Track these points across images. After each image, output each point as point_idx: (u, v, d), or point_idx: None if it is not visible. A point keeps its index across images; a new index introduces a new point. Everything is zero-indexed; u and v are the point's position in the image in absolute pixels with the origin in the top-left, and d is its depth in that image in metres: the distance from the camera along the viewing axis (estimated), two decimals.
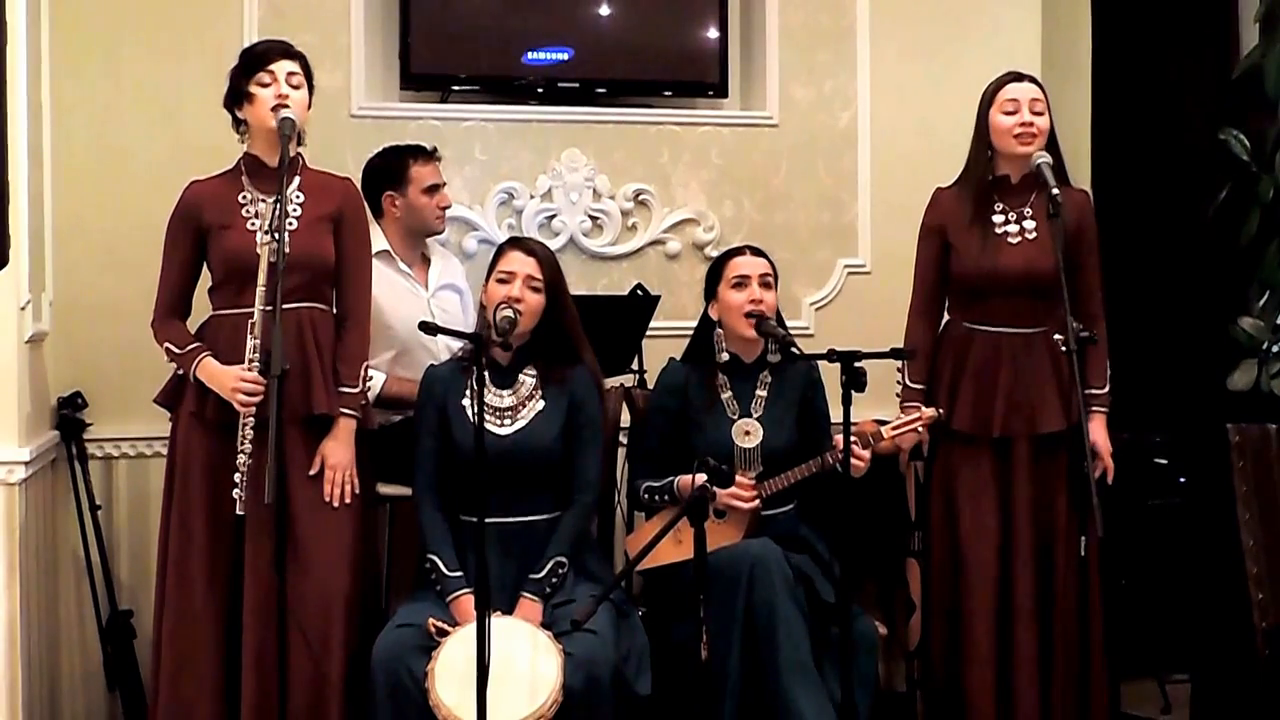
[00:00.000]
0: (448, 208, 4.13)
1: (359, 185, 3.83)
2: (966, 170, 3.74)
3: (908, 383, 3.74)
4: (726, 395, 3.72)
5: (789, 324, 3.89)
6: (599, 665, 3.25)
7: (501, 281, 3.49)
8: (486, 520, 3.16)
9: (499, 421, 3.50)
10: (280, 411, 3.16)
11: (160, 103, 4.18)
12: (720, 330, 3.73)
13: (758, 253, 3.77)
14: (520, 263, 3.50)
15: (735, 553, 3.47)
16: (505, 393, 3.53)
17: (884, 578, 4.30)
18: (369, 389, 3.58)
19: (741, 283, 3.69)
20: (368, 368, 3.54)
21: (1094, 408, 3.62)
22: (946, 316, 3.81)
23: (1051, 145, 3.64)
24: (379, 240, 3.96)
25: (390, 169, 4.05)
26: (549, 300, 3.51)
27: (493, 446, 3.38)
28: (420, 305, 3.98)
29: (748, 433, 3.70)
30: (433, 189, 4.06)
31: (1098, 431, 3.64)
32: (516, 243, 3.61)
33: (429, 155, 4.09)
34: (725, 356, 3.73)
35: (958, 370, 3.71)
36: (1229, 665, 3.88)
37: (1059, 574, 3.65)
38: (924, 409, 3.59)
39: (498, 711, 3.05)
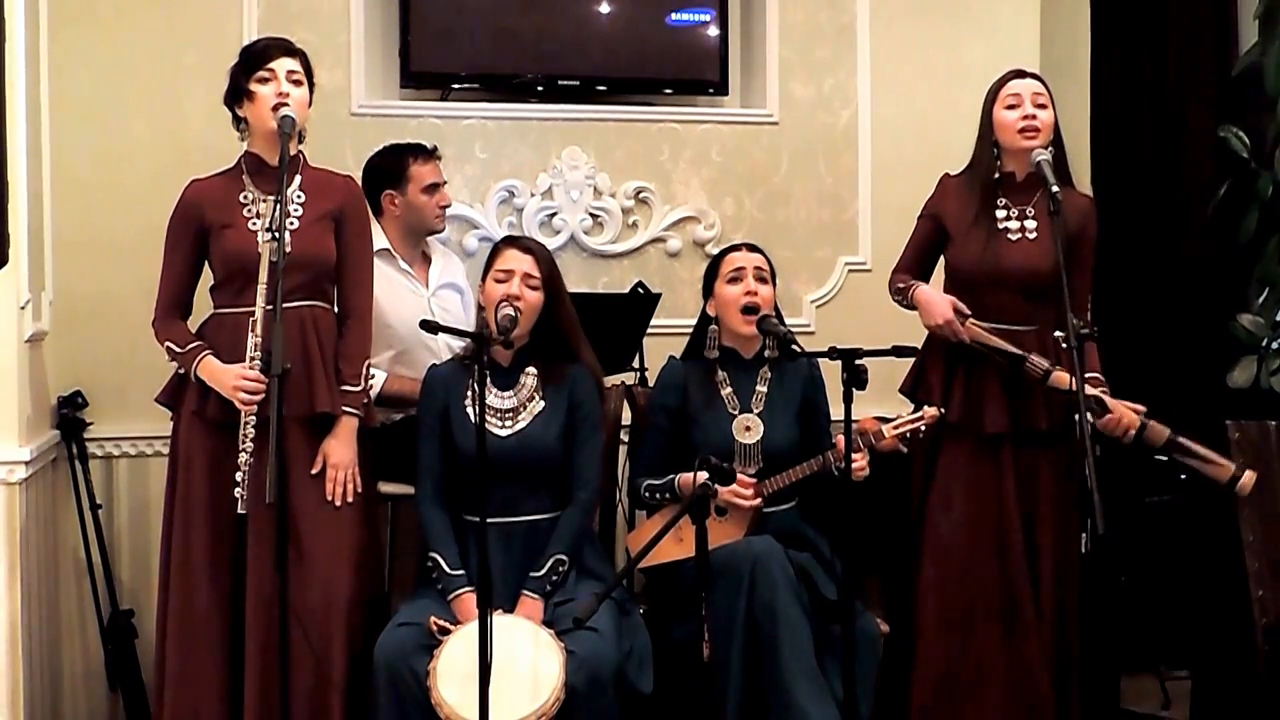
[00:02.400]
0: (447, 206, 4.12)
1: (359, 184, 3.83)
2: (972, 167, 3.75)
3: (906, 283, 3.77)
4: (727, 391, 3.72)
5: (790, 322, 3.90)
6: (601, 663, 3.25)
7: (499, 281, 3.49)
8: (488, 520, 3.16)
9: (500, 423, 3.50)
10: (282, 410, 3.15)
11: (160, 102, 4.19)
12: (715, 327, 3.74)
13: (754, 249, 3.78)
14: (517, 260, 3.50)
15: (737, 551, 3.47)
16: (507, 394, 3.53)
17: (889, 572, 4.29)
18: (371, 387, 3.58)
19: (737, 277, 3.69)
20: (369, 366, 3.53)
21: (1102, 390, 3.65)
22: None
23: (1056, 143, 3.66)
24: (379, 239, 3.95)
25: (390, 168, 4.05)
26: (547, 297, 3.51)
27: (495, 448, 3.39)
28: (420, 304, 3.98)
29: (748, 428, 3.69)
30: (432, 188, 4.05)
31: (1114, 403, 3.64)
32: (512, 241, 3.61)
33: (429, 154, 4.09)
34: (715, 354, 3.73)
35: (951, 366, 3.72)
36: (1229, 661, 3.89)
37: (1056, 570, 3.65)
38: (927, 409, 3.59)
39: (500, 710, 3.05)
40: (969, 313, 3.68)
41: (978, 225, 3.68)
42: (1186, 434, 3.66)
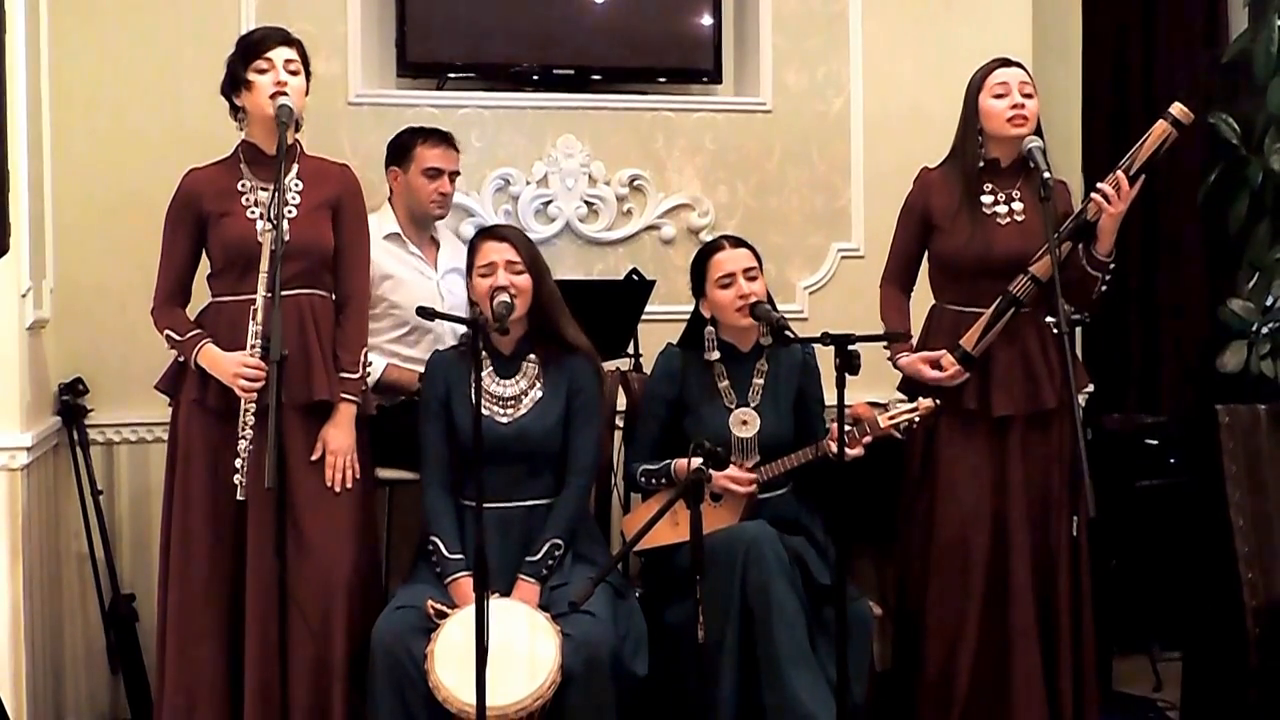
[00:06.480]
0: (447, 195, 4.11)
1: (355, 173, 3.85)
2: (954, 155, 3.74)
3: (898, 361, 3.74)
4: (724, 384, 3.73)
5: (783, 308, 3.90)
6: (597, 646, 3.28)
7: (484, 275, 3.50)
8: (488, 505, 3.19)
9: (501, 410, 3.52)
10: (281, 397, 3.18)
11: (159, 90, 4.20)
12: (711, 328, 3.72)
13: (737, 243, 3.74)
14: (496, 251, 3.50)
15: (731, 535, 3.48)
16: (508, 382, 3.55)
17: (883, 556, 4.32)
18: (368, 374, 3.61)
19: (728, 282, 3.67)
20: (366, 353, 3.56)
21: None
22: (931, 301, 3.82)
23: (1037, 131, 3.66)
24: (389, 223, 4.00)
25: (401, 146, 4.08)
26: (533, 279, 3.53)
27: (495, 435, 3.42)
28: (429, 286, 4.00)
29: (745, 422, 3.70)
30: (434, 172, 4.05)
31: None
32: (487, 233, 3.60)
33: (440, 139, 4.09)
34: (715, 355, 3.72)
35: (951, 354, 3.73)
36: (1219, 643, 3.91)
37: (1054, 552, 3.65)
38: (921, 399, 3.59)
39: (497, 692, 3.09)
40: (948, 347, 3.65)
41: (964, 212, 3.67)
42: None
